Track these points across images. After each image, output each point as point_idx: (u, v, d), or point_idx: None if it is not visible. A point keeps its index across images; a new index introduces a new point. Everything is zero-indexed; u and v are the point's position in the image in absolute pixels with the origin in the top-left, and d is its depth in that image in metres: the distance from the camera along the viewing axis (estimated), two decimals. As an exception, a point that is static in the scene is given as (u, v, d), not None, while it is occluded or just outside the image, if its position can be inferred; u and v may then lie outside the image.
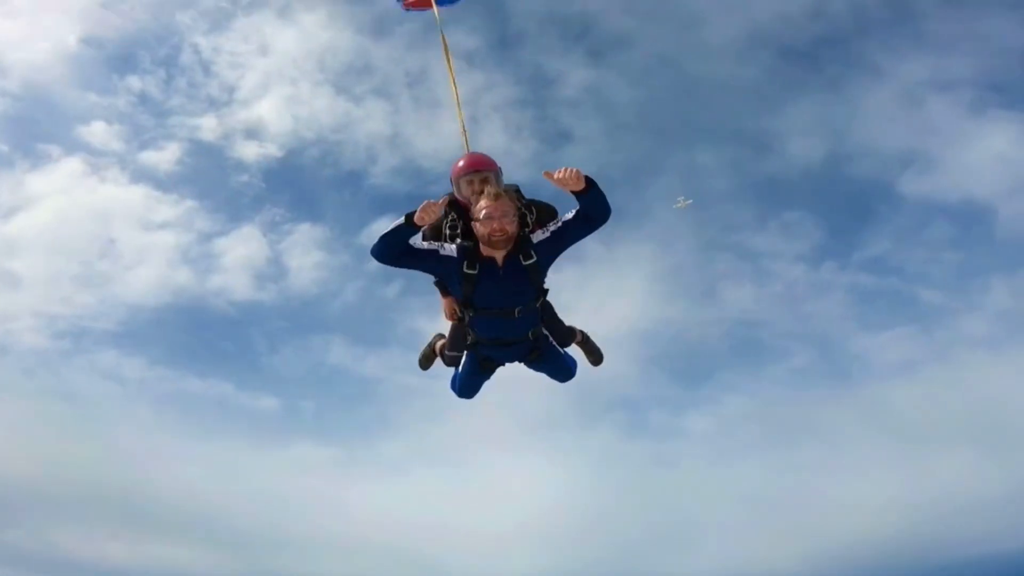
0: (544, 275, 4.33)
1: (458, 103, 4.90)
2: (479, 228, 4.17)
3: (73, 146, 23.63)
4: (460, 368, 4.84)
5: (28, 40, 24.46)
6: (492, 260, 4.21)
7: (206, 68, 22.98)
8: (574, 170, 3.99)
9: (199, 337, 23.16)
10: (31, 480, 18.76)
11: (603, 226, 4.17)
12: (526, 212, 4.30)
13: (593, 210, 4.13)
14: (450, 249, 4.27)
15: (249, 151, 22.75)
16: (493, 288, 4.22)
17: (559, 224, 4.29)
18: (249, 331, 23.03)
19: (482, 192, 4.19)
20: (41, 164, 23.48)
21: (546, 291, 4.48)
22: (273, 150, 22.66)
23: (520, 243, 4.21)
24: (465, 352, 4.75)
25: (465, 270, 4.19)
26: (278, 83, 23.75)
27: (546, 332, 4.71)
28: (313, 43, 24.37)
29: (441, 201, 4.04)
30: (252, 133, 22.79)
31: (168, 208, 23.48)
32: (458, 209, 4.43)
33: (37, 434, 20.16)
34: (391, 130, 23.34)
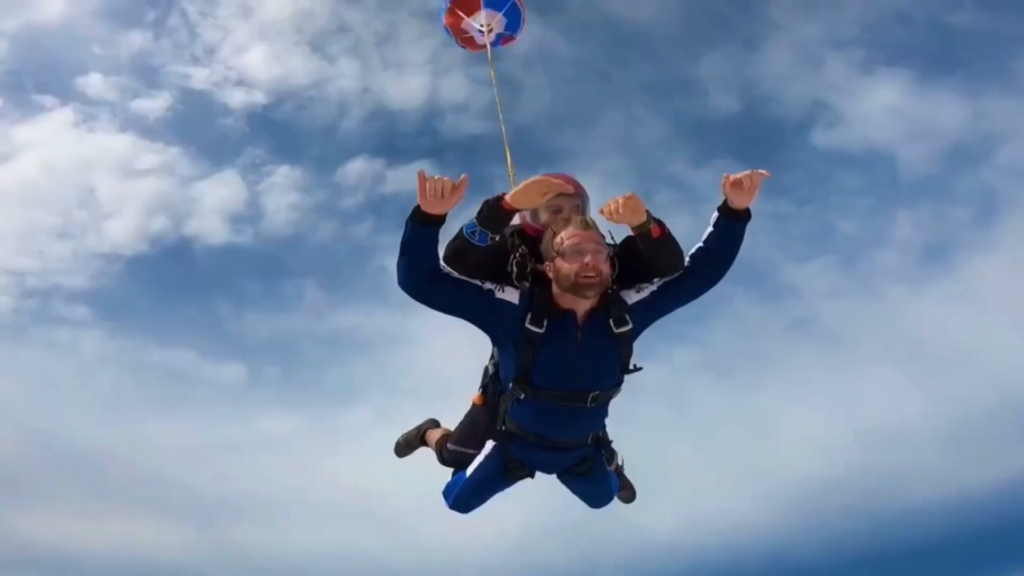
0: (632, 344, 3.03)
1: (506, 143, 4.40)
2: (561, 266, 2.86)
3: (68, 97, 22.15)
4: (470, 470, 3.39)
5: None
6: (571, 315, 2.90)
7: (192, 30, 21.95)
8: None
9: (166, 297, 22.42)
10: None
11: (719, 283, 3.10)
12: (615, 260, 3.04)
13: (729, 247, 3.05)
14: (511, 293, 2.93)
15: (236, 97, 21.86)
16: (565, 357, 2.88)
17: (660, 283, 3.07)
18: (217, 290, 22.34)
19: (568, 220, 2.99)
20: (33, 115, 21.95)
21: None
22: (259, 97, 21.88)
23: (608, 301, 2.96)
24: (487, 449, 3.29)
25: (528, 325, 2.83)
26: (259, 43, 22.83)
27: (607, 438, 3.41)
28: (292, 7, 23.42)
29: (458, 180, 2.74)
30: (240, 82, 21.93)
31: (153, 156, 22.27)
32: (528, 240, 3.16)
33: None
34: (361, 85, 22.67)
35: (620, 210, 2.85)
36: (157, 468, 19.27)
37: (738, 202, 2.93)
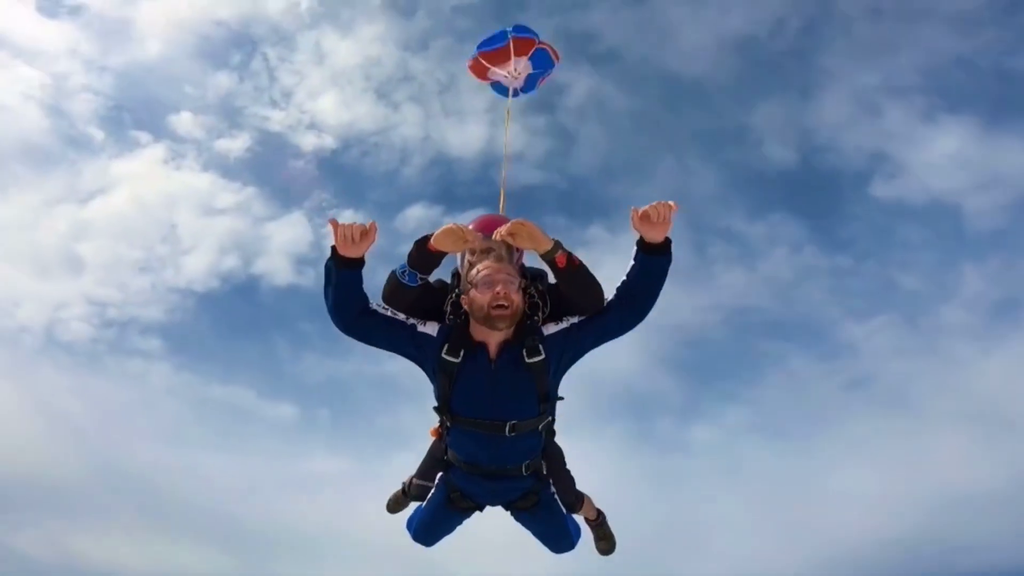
0: (554, 383, 3.06)
1: (504, 175, 4.81)
2: (475, 297, 2.94)
3: (161, 134, 24.07)
4: (424, 502, 3.60)
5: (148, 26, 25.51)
6: (483, 347, 2.97)
7: (271, 73, 23.78)
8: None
9: (231, 334, 23.52)
10: (47, 481, 19.14)
11: (640, 323, 3.06)
12: (538, 300, 3.13)
13: (647, 282, 2.98)
14: (431, 327, 3.06)
15: (308, 141, 23.35)
16: (479, 386, 2.97)
17: (582, 318, 3.06)
18: (278, 329, 23.31)
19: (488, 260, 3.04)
20: (129, 150, 23.94)
21: (552, 413, 3.19)
22: (329, 141, 23.33)
23: (524, 332, 3.00)
24: (436, 480, 3.48)
25: (444, 355, 2.96)
26: (331, 89, 24.53)
27: (549, 477, 3.42)
28: (360, 55, 25.13)
29: (367, 225, 2.93)
30: (312, 125, 23.46)
31: (230, 195, 23.78)
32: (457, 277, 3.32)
33: (59, 433, 20.55)
34: (423, 132, 23.83)
35: (506, 233, 2.95)
36: (208, 498, 19.90)
37: (650, 236, 2.91)
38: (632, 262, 2.99)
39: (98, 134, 23.60)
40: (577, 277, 3.01)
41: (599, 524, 3.86)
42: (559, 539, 3.67)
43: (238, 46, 25.11)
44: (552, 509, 3.45)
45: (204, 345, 22.70)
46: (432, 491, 3.51)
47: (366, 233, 2.90)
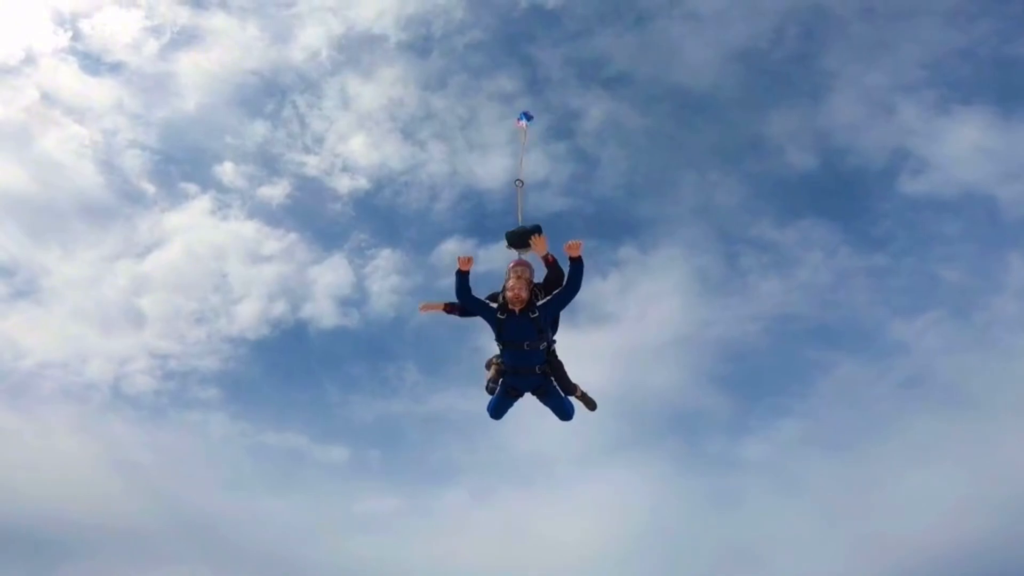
0: (544, 325, 6.38)
1: (520, 200, 7.13)
2: (507, 294, 6.32)
3: (207, 185, 25.22)
4: (495, 395, 6.87)
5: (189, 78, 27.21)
6: (513, 312, 6.33)
7: (302, 120, 25.09)
8: (581, 242, 6.23)
9: (283, 380, 24.16)
10: (122, 530, 19.74)
11: (577, 295, 6.24)
12: (537, 291, 6.46)
13: (576, 277, 6.20)
14: (493, 304, 6.46)
15: (343, 183, 24.33)
16: (513, 328, 6.37)
17: (553, 294, 6.37)
18: (327, 373, 23.87)
19: (514, 275, 6.42)
20: (179, 203, 25.09)
21: (552, 342, 6.60)
22: (362, 182, 24.30)
23: (530, 305, 6.33)
24: (499, 382, 6.82)
25: (498, 315, 6.37)
26: (358, 132, 25.64)
27: (551, 377, 6.68)
28: (384, 97, 26.32)
29: (468, 258, 6.36)
30: (345, 168, 24.50)
31: (275, 242, 24.70)
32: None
33: (130, 484, 21.21)
34: (450, 168, 24.74)
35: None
36: (269, 542, 20.19)
37: (573, 255, 6.08)
38: (569, 267, 6.12)
39: (149, 188, 24.77)
40: (555, 270, 6.48)
41: (583, 396, 6.96)
42: (562, 411, 6.85)
43: (269, 95, 26.18)
44: (555, 393, 6.76)
45: (258, 392, 23.31)
46: (498, 389, 6.79)
47: (468, 260, 6.30)
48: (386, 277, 24.06)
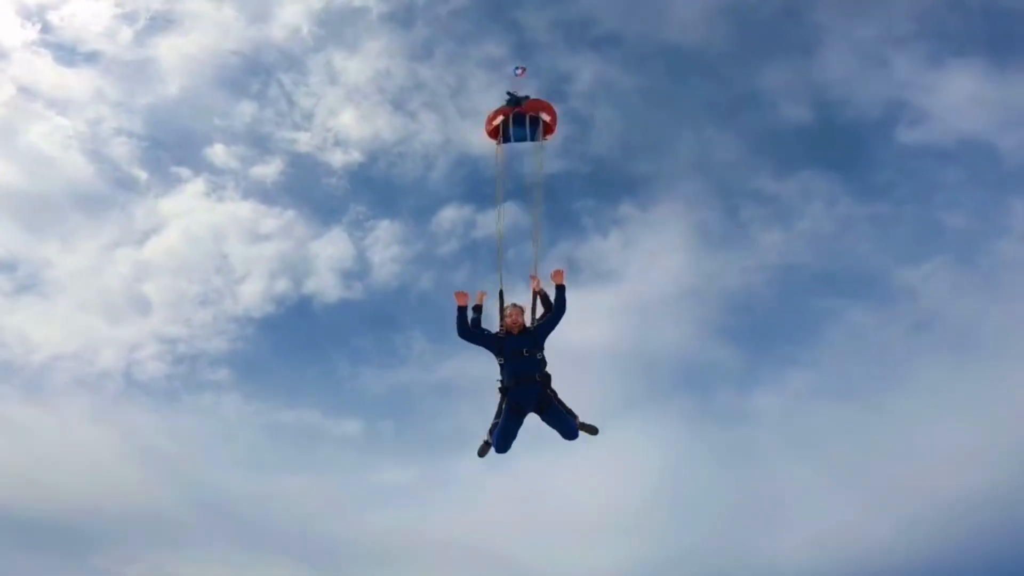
0: (539, 343, 7.00)
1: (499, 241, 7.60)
2: (507, 321, 7.10)
3: (199, 168, 24.89)
4: (499, 423, 7.06)
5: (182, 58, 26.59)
6: (511, 333, 7.04)
7: (289, 98, 24.54)
8: (563, 270, 7.15)
9: (292, 357, 24.24)
10: (146, 515, 20.23)
11: (563, 318, 6.99)
12: (533, 321, 7.38)
13: (562, 300, 7.04)
14: (495, 331, 7.21)
15: (337, 157, 23.93)
16: (512, 343, 6.98)
17: (545, 317, 7.14)
18: (335, 347, 23.94)
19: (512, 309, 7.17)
20: (173, 187, 24.83)
21: (540, 354, 7.00)
22: (356, 155, 23.93)
23: (526, 329, 7.07)
24: (500, 405, 7.10)
25: (498, 335, 7.08)
26: (347, 106, 25.03)
27: (550, 389, 7.01)
28: (371, 70, 25.53)
29: (472, 293, 7.22)
30: (337, 142, 24.09)
31: (272, 220, 24.49)
32: (502, 314, 7.46)
33: (150, 469, 21.63)
34: (443, 136, 24.26)
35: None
36: (289, 518, 20.62)
37: (558, 282, 7.05)
38: (555, 293, 7.06)
39: (141, 174, 24.45)
40: (544, 298, 7.21)
41: (581, 424, 7.16)
42: (567, 428, 7.02)
43: (254, 74, 25.58)
44: (556, 410, 6.98)
45: (268, 370, 23.43)
46: (503, 411, 6.98)
47: (463, 295, 7.20)
48: (387, 247, 23.87)
